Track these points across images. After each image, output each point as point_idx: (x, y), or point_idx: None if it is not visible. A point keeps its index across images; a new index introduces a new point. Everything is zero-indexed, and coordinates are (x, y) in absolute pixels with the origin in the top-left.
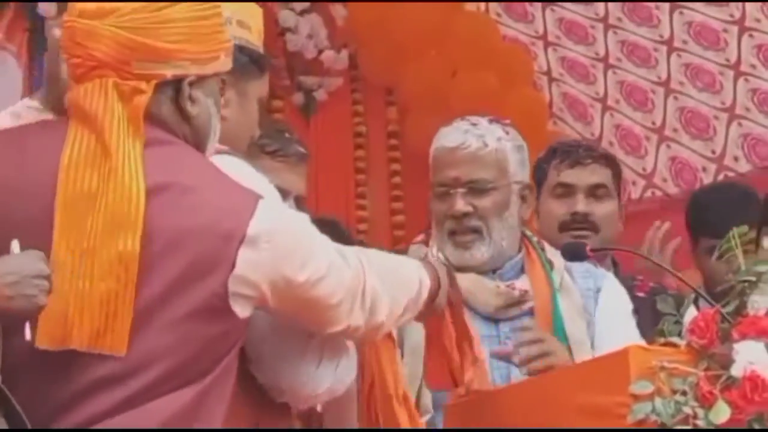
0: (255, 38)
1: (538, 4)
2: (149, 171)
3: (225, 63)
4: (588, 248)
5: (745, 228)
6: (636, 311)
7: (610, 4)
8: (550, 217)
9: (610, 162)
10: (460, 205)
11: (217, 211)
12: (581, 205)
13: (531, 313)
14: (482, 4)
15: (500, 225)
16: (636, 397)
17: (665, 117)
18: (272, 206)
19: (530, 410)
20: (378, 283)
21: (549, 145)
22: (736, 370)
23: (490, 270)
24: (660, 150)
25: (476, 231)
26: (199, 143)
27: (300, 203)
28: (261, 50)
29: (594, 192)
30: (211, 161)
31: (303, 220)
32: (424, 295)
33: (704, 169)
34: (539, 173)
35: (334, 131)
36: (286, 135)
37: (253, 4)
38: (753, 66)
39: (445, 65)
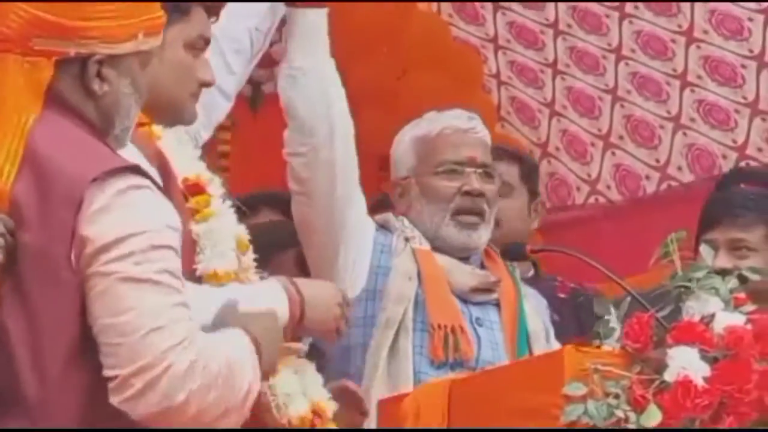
0: None
1: (489, 7)
2: (31, 147)
3: (144, 42)
4: (528, 248)
5: (682, 233)
6: (557, 312)
7: (561, 11)
8: None
9: (518, 159)
10: (478, 183)
11: None
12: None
13: (496, 303)
14: (434, 5)
15: (492, 216)
16: (569, 398)
17: (611, 124)
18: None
19: (465, 407)
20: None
21: None
22: (669, 375)
23: (461, 258)
24: (605, 157)
25: (481, 214)
26: (105, 122)
27: None
28: None
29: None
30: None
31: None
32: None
33: (648, 178)
34: None
35: (281, 124)
36: None
37: None
38: (699, 77)
39: (396, 64)
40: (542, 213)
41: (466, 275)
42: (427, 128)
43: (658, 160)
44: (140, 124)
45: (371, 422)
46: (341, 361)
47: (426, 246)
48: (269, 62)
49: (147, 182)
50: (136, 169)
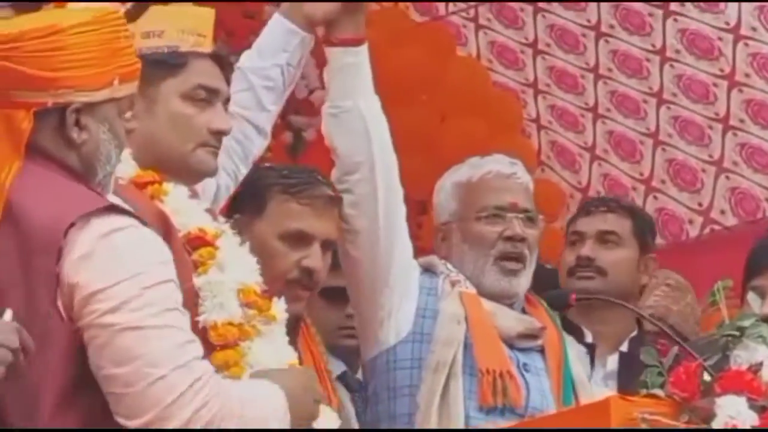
0: (167, 40)
1: (529, 51)
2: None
3: (119, 89)
4: (573, 296)
5: (729, 281)
6: None
7: (601, 53)
8: (562, 264)
9: (629, 213)
10: (519, 229)
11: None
12: (587, 249)
13: (541, 350)
14: (474, 50)
15: (533, 262)
16: None
17: (653, 168)
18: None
19: None
20: None
21: None
22: (717, 424)
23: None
24: (647, 201)
25: (521, 261)
26: (88, 170)
27: (327, 247)
28: (178, 47)
29: (602, 237)
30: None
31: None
32: None
33: (690, 222)
34: (567, 228)
35: (323, 171)
36: (315, 176)
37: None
38: (742, 120)
39: (435, 110)
40: (653, 269)
41: (512, 320)
42: (469, 173)
43: (700, 204)
44: (149, 183)
45: None
46: (389, 402)
47: (472, 290)
48: (310, 110)
49: (130, 221)
50: (116, 209)
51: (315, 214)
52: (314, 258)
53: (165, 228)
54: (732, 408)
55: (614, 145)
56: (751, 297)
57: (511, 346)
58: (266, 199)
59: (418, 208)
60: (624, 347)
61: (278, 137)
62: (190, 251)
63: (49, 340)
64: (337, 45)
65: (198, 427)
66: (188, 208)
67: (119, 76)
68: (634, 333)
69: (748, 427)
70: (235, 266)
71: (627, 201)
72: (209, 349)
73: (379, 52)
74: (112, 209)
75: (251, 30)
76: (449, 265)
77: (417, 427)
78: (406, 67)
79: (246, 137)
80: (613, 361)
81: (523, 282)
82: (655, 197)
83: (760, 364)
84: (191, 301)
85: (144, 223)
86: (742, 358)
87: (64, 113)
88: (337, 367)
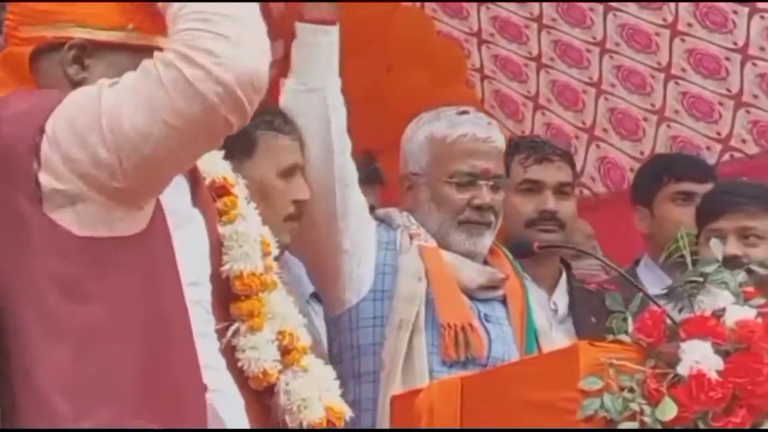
0: None
1: (474, 3)
2: None
3: (135, 37)
4: (535, 246)
5: (693, 229)
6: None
7: (545, 5)
8: (516, 213)
9: (571, 160)
10: (488, 198)
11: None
12: (550, 202)
13: (502, 300)
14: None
15: (498, 225)
16: (585, 393)
17: (596, 117)
18: None
19: (478, 403)
20: None
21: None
22: (683, 369)
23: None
24: (590, 149)
25: (488, 226)
26: None
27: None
28: None
29: (561, 189)
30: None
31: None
32: None
33: (632, 170)
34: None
35: None
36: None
37: None
38: (683, 69)
39: (382, 61)
40: None
41: (474, 272)
42: (444, 131)
43: (642, 153)
44: None
45: (385, 419)
46: (353, 361)
47: (432, 243)
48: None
49: None
50: None
51: (299, 147)
52: (304, 189)
53: (192, 174)
54: (697, 353)
55: (557, 95)
56: (714, 243)
57: (473, 298)
58: (254, 139)
59: (365, 158)
60: (563, 289)
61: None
62: (215, 198)
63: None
64: (310, 22)
65: None
66: (210, 155)
67: (135, 22)
68: (564, 275)
69: (713, 371)
70: (251, 216)
71: (564, 145)
72: (230, 298)
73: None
74: None
75: None
76: (411, 218)
77: (381, 384)
78: (356, 18)
79: None
80: (561, 304)
81: (487, 242)
82: (598, 146)
83: (723, 309)
84: (216, 248)
85: None
86: (705, 303)
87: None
88: (309, 287)
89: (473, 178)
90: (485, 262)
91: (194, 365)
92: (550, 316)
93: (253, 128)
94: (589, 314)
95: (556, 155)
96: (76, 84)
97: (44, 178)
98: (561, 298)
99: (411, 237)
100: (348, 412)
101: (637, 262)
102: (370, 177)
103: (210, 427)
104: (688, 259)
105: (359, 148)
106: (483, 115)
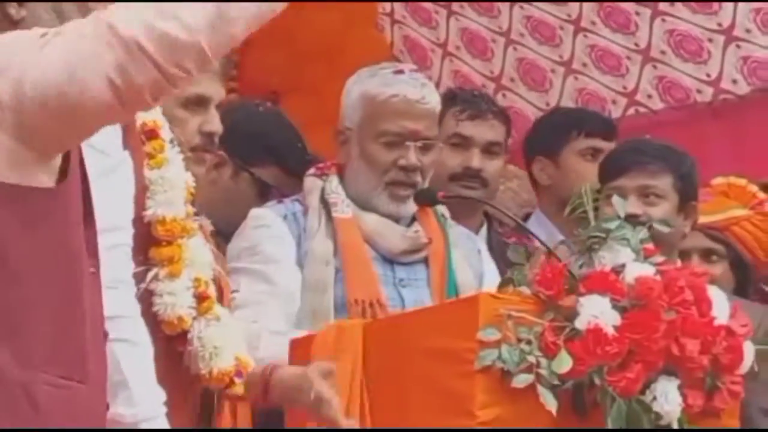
0: None
1: None
2: None
3: None
4: (440, 195)
5: (596, 185)
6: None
7: None
8: (441, 165)
9: (507, 120)
10: (414, 159)
11: None
12: (476, 160)
13: (425, 261)
14: None
15: (425, 184)
16: (483, 343)
17: (503, 67)
18: None
19: (380, 347)
20: None
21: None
22: (580, 323)
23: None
24: (496, 99)
25: (414, 187)
26: None
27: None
28: None
29: (489, 149)
30: None
31: None
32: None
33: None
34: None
35: None
36: None
37: None
38: (593, 22)
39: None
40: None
41: (397, 238)
42: (377, 90)
43: (548, 104)
44: None
45: None
46: None
47: (347, 209)
48: None
49: None
50: None
51: (211, 79)
52: (214, 123)
53: None
54: (595, 307)
55: (467, 43)
56: (616, 200)
57: (393, 262)
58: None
59: (273, 99)
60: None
61: None
62: (144, 141)
63: None
64: None
65: None
66: None
67: None
68: (485, 228)
69: (610, 326)
70: (176, 161)
71: (497, 102)
72: (150, 242)
73: None
74: None
75: None
76: (334, 184)
77: None
78: None
79: None
80: None
81: (412, 207)
82: (504, 95)
83: (623, 265)
84: (141, 192)
85: None
86: (606, 259)
87: None
88: None
89: (401, 138)
90: (413, 219)
91: (98, 319)
92: (482, 267)
93: None
94: (506, 267)
95: (491, 113)
96: (14, 22)
97: None
98: None
99: (328, 205)
100: (252, 365)
101: (527, 217)
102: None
103: (109, 376)
104: (591, 215)
105: (264, 86)
106: (419, 75)
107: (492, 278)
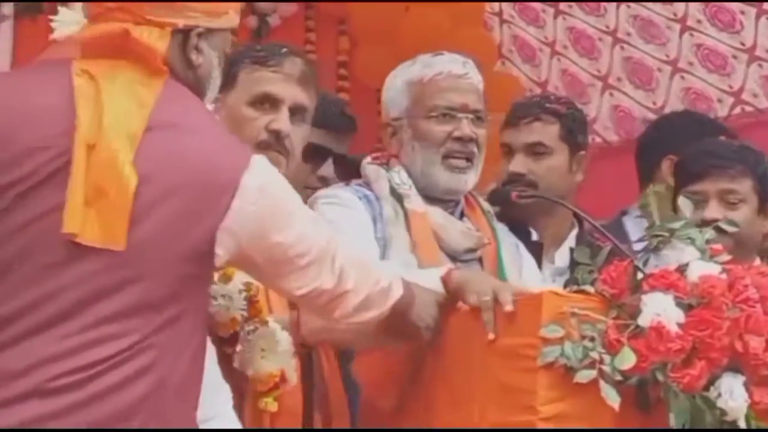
0: None
1: None
2: (159, 106)
3: (233, 19)
4: (513, 195)
5: (662, 185)
6: None
7: None
8: (499, 174)
9: (558, 117)
10: (468, 130)
11: (215, 159)
12: (517, 164)
13: (479, 259)
14: None
15: (481, 160)
16: (546, 340)
17: (611, 65)
18: (265, 164)
19: (448, 345)
20: (347, 258)
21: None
22: (643, 320)
23: (452, 202)
24: (603, 98)
25: (470, 159)
26: (200, 92)
27: (297, 112)
28: None
29: (533, 150)
30: (210, 111)
31: (286, 183)
32: (391, 299)
33: (645, 120)
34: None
35: None
36: (287, 48)
37: None
38: (699, 21)
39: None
40: (585, 166)
41: (461, 235)
42: (420, 73)
43: (655, 103)
44: None
45: None
46: None
47: (420, 203)
48: None
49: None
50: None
51: (283, 79)
52: (281, 121)
53: None
54: (658, 305)
55: (574, 41)
56: (682, 201)
57: (454, 258)
58: (237, 71)
59: (379, 97)
60: (572, 243)
61: (243, 21)
62: None
63: (190, 258)
64: None
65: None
66: None
67: (233, 7)
68: (576, 230)
69: (673, 323)
70: None
71: (553, 102)
72: None
73: None
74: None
75: None
76: (402, 174)
77: None
78: None
79: None
80: (561, 258)
81: (471, 179)
82: (611, 94)
83: (687, 264)
84: None
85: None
86: (670, 258)
87: (188, 35)
88: None
89: (452, 111)
90: (462, 214)
91: None
92: (521, 261)
93: (237, 64)
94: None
95: (532, 116)
96: (191, 66)
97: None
98: (564, 252)
99: (401, 197)
100: (295, 380)
101: (624, 213)
102: (344, 125)
103: None
104: (656, 214)
105: (374, 84)
106: (458, 55)
107: (530, 274)
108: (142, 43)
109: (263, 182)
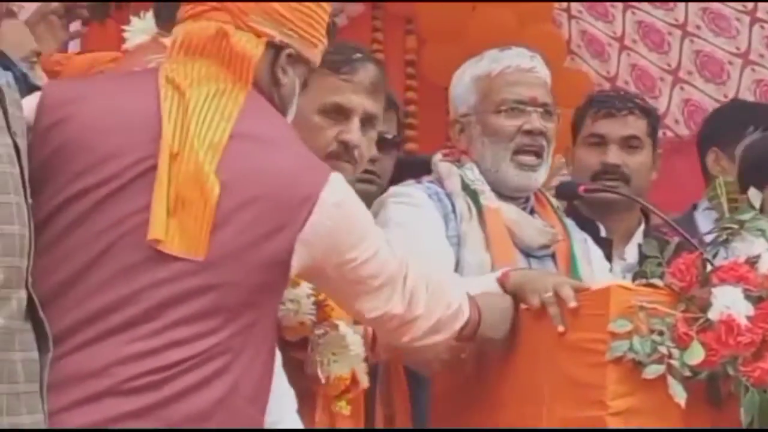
0: None
1: None
2: (242, 117)
3: (317, 56)
4: (581, 189)
5: (730, 178)
6: None
7: None
8: (582, 165)
9: (648, 113)
10: (538, 123)
11: (295, 173)
12: (613, 156)
13: (552, 255)
14: None
15: (550, 155)
16: (614, 335)
17: (680, 59)
18: (342, 182)
19: (514, 342)
20: (419, 281)
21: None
22: (713, 314)
23: (522, 198)
24: (674, 92)
25: (539, 154)
26: (281, 110)
27: (367, 123)
28: None
29: (627, 143)
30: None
31: (361, 203)
32: (460, 321)
33: None
34: (578, 121)
35: None
36: (360, 53)
37: None
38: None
39: None
40: (658, 166)
41: (536, 232)
42: (488, 68)
43: (726, 96)
44: None
45: None
46: None
47: (494, 199)
48: None
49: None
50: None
51: (354, 89)
52: (352, 131)
53: None
54: (728, 298)
55: (643, 35)
56: (752, 193)
57: (527, 254)
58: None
59: (446, 95)
60: (639, 239)
61: None
62: None
63: (268, 266)
64: None
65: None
66: None
67: (321, 44)
68: (643, 226)
69: (743, 316)
70: None
71: (641, 99)
72: None
73: None
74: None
75: None
76: (474, 170)
77: None
78: None
79: None
80: (631, 254)
81: (541, 176)
82: (682, 88)
83: (758, 256)
84: None
85: None
86: (739, 250)
87: (279, 53)
88: None
89: (521, 105)
90: (532, 210)
91: None
92: (596, 258)
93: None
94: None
95: (627, 109)
96: (276, 83)
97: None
98: (633, 248)
99: (476, 193)
100: (366, 383)
101: (695, 206)
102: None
103: None
104: (725, 206)
105: (441, 82)
106: (525, 50)
107: (600, 268)
108: (238, 48)
109: (340, 199)
